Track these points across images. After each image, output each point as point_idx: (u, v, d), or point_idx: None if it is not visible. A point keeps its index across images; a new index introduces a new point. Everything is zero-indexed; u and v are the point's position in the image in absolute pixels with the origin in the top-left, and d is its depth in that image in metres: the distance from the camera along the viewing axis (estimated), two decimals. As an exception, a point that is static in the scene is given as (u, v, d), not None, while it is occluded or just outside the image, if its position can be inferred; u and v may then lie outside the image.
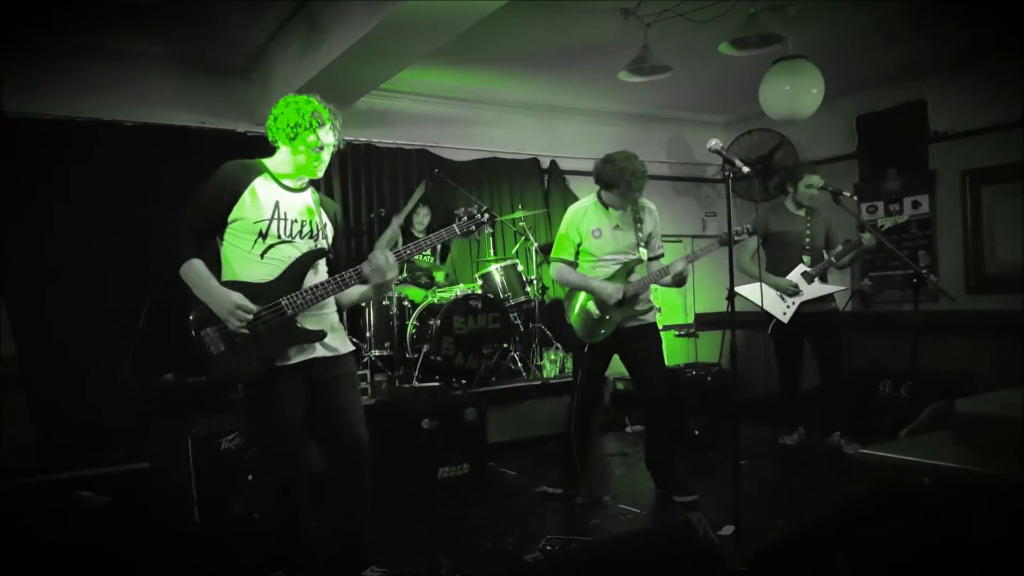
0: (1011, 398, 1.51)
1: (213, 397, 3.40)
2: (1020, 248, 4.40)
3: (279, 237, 2.10)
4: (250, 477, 2.99)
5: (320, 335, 2.13)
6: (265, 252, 2.08)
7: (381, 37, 3.12)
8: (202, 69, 4.18)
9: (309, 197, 2.21)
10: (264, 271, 2.08)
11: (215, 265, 2.10)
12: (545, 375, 4.53)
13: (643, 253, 3.07)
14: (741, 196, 5.32)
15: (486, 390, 4.06)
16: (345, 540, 2.26)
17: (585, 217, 3.08)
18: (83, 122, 3.84)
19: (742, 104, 5.34)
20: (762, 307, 3.65)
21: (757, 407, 4.13)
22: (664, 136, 6.04)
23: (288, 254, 2.11)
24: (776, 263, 3.94)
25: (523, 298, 4.51)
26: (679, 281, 3.02)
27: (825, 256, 3.84)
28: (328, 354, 2.16)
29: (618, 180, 2.95)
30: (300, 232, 2.14)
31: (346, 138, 4.71)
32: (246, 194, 2.07)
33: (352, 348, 2.29)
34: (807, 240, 3.90)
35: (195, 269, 2.02)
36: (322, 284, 2.11)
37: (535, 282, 4.63)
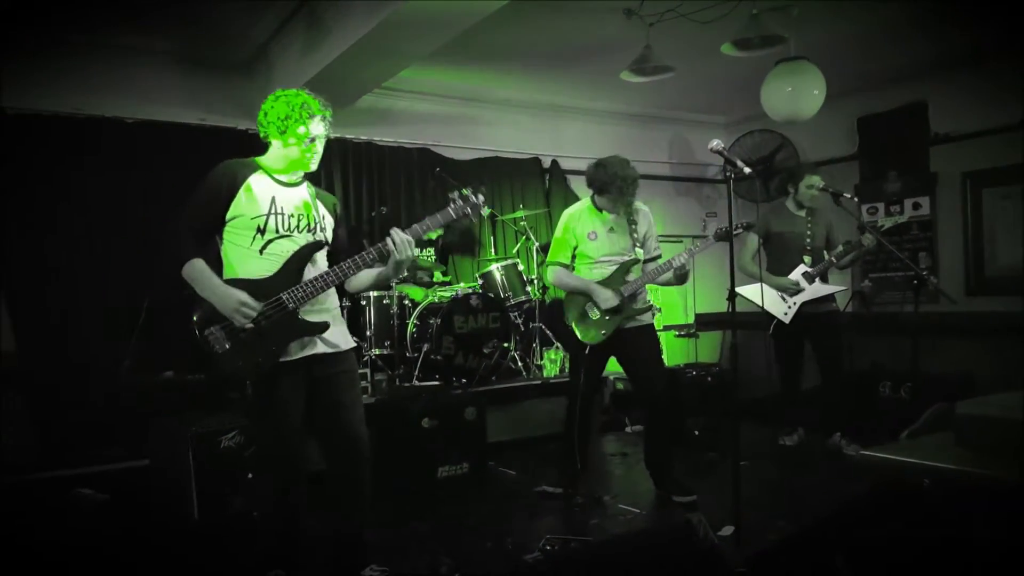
0: (1011, 400, 1.51)
1: (213, 395, 3.40)
2: (1020, 250, 4.40)
3: (277, 232, 2.11)
4: (250, 475, 2.99)
5: (323, 326, 2.14)
6: (264, 248, 2.09)
7: (382, 36, 3.12)
8: (203, 67, 4.18)
9: (305, 191, 2.22)
10: (264, 267, 2.09)
11: (215, 264, 2.11)
12: (545, 375, 4.53)
13: (639, 254, 3.08)
14: (742, 197, 5.32)
15: (486, 389, 4.06)
16: (345, 540, 2.26)
17: (580, 220, 3.12)
18: (84, 119, 3.84)
19: (744, 105, 5.34)
20: (763, 307, 3.66)
21: (757, 408, 4.13)
22: (665, 136, 6.04)
23: (287, 248, 2.12)
24: (777, 263, 3.94)
25: (523, 297, 4.52)
26: (681, 277, 3.03)
27: (826, 257, 3.85)
28: (329, 350, 2.17)
29: (609, 185, 3.00)
30: (298, 226, 2.15)
31: (347, 136, 4.78)
32: (242, 191, 2.08)
33: (353, 345, 2.29)
34: (808, 241, 3.90)
35: (197, 268, 2.03)
36: (321, 276, 2.12)
37: (536, 281, 4.64)
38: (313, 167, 2.20)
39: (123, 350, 3.65)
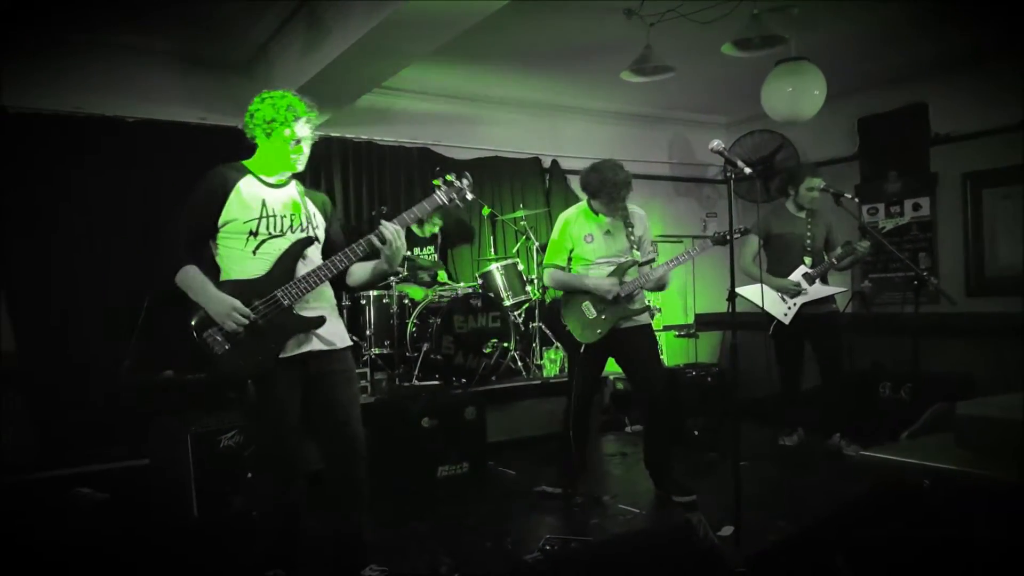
0: (1011, 401, 1.51)
1: (213, 394, 3.40)
2: (1020, 251, 4.40)
3: (270, 233, 2.14)
4: (250, 475, 2.99)
5: (320, 321, 2.16)
6: (257, 248, 2.12)
7: (382, 35, 3.12)
8: (203, 66, 4.17)
9: (294, 190, 2.24)
10: (257, 267, 2.12)
11: (211, 269, 2.14)
12: (545, 374, 4.53)
13: (636, 255, 3.09)
14: (742, 197, 5.32)
15: (486, 389, 4.06)
16: (344, 539, 2.26)
17: (576, 224, 3.15)
18: (84, 118, 3.84)
19: (744, 105, 5.34)
20: (763, 308, 3.66)
21: (757, 408, 4.13)
22: (666, 136, 6.03)
23: (280, 248, 2.15)
24: (777, 264, 3.94)
25: (523, 297, 4.52)
26: (659, 287, 3.14)
27: (826, 258, 3.85)
28: (325, 348, 2.18)
29: (600, 189, 3.03)
30: (290, 226, 2.18)
31: (347, 136, 4.78)
32: (232, 196, 2.11)
33: (350, 344, 2.30)
34: (808, 242, 3.90)
35: (191, 275, 2.07)
36: (314, 271, 2.14)
37: (535, 281, 4.64)
38: (300, 168, 2.21)
39: (123, 349, 3.64)
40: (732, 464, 2.46)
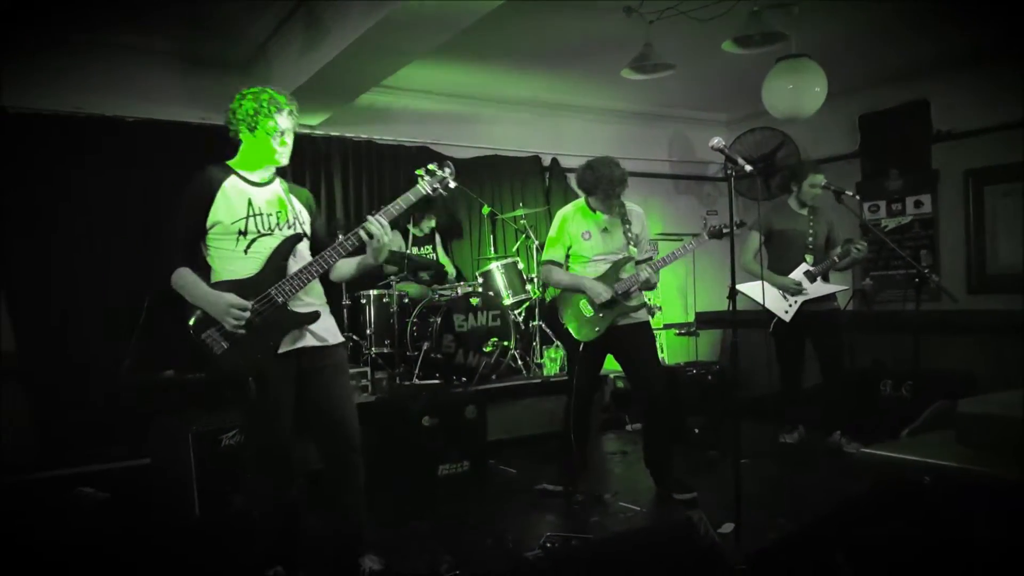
0: (1012, 399, 1.51)
1: (213, 393, 3.40)
2: (1022, 248, 4.39)
3: (259, 231, 2.16)
4: (249, 475, 2.99)
5: (314, 316, 2.19)
6: (248, 247, 2.15)
7: (381, 34, 3.12)
8: (203, 66, 4.17)
9: (278, 187, 2.27)
10: (249, 266, 2.15)
11: (202, 271, 2.16)
12: (545, 373, 4.53)
13: (633, 252, 3.09)
14: (743, 195, 5.31)
15: (486, 388, 4.06)
16: (344, 538, 2.26)
17: (574, 220, 3.15)
18: (84, 118, 3.84)
19: (745, 102, 5.33)
20: (763, 305, 3.65)
21: (757, 406, 4.13)
22: (666, 134, 6.03)
23: (270, 246, 2.17)
24: (778, 262, 3.93)
25: (523, 296, 4.52)
26: (648, 287, 3.14)
27: (828, 256, 3.84)
28: (318, 344, 2.21)
29: (596, 186, 3.04)
30: (277, 224, 2.20)
31: (347, 135, 4.77)
32: (219, 197, 2.13)
33: (342, 340, 2.33)
34: (810, 239, 3.90)
35: (186, 277, 2.10)
36: (305, 267, 2.17)
37: (535, 280, 4.63)
38: (284, 162, 2.24)
39: (123, 349, 3.65)
40: (733, 462, 2.46)
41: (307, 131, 4.50)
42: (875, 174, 5.13)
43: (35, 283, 3.69)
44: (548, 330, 4.67)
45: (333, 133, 4.62)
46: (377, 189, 4.77)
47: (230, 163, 2.23)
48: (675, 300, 5.94)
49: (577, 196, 3.30)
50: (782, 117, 4.13)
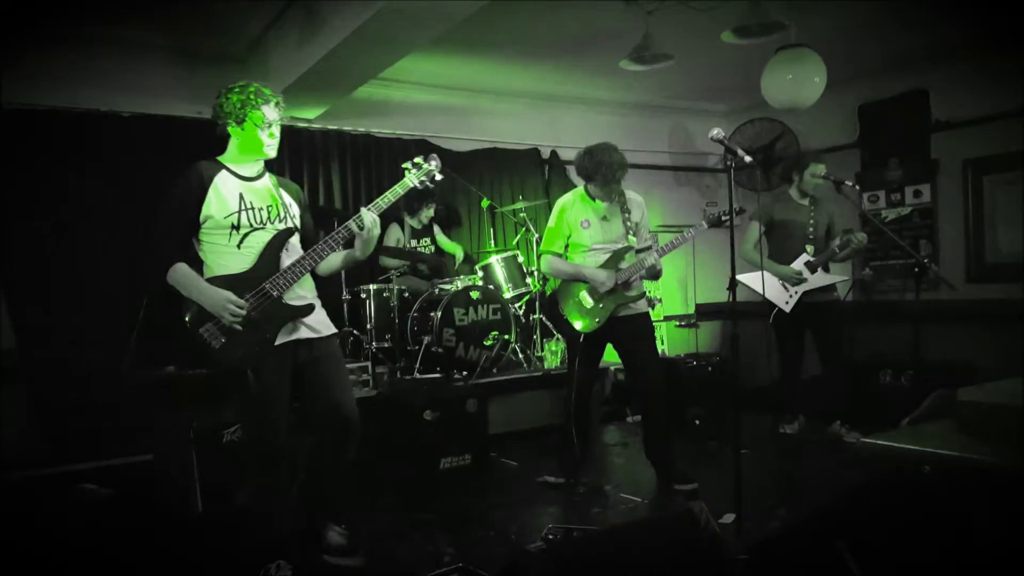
0: (1012, 387, 1.51)
1: (214, 389, 3.40)
2: (1021, 237, 4.39)
3: (251, 225, 2.18)
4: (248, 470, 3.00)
5: (309, 308, 2.22)
6: (241, 242, 2.16)
7: (378, 26, 3.10)
8: (199, 58, 4.15)
9: (268, 181, 2.29)
10: (242, 261, 2.17)
11: (195, 266, 2.17)
12: (546, 366, 4.54)
13: (633, 241, 3.08)
14: (743, 186, 5.30)
15: (487, 381, 4.07)
16: (313, 504, 2.33)
17: (572, 209, 3.12)
18: (81, 113, 3.82)
19: (744, 93, 5.31)
20: (764, 295, 3.65)
21: (758, 396, 4.14)
22: (665, 125, 6.00)
23: (262, 240, 2.19)
24: (779, 252, 3.93)
25: (524, 289, 4.51)
26: (653, 275, 3.08)
27: (829, 247, 3.84)
28: (313, 335, 2.24)
29: (595, 172, 3.01)
30: (269, 217, 2.22)
31: (345, 128, 4.75)
32: (211, 192, 2.15)
33: (335, 331, 2.35)
34: (811, 230, 3.89)
35: (181, 272, 2.11)
36: (298, 261, 2.20)
37: (535, 273, 4.63)
38: (272, 154, 2.26)
39: (124, 345, 3.65)
40: (733, 452, 2.46)
41: (305, 124, 4.49)
42: (874, 164, 5.12)
43: (34, 279, 3.68)
44: (548, 323, 4.67)
45: (331, 126, 4.61)
46: (375, 182, 4.76)
47: (220, 158, 2.24)
48: (675, 292, 5.94)
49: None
50: (781, 107, 4.11)
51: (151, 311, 3.62)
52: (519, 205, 4.74)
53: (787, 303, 3.82)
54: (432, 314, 4.03)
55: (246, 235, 2.17)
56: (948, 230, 4.80)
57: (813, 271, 3.82)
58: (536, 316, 4.64)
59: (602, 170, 2.98)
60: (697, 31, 3.85)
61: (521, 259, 4.61)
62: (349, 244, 2.26)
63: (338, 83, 3.91)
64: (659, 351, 3.78)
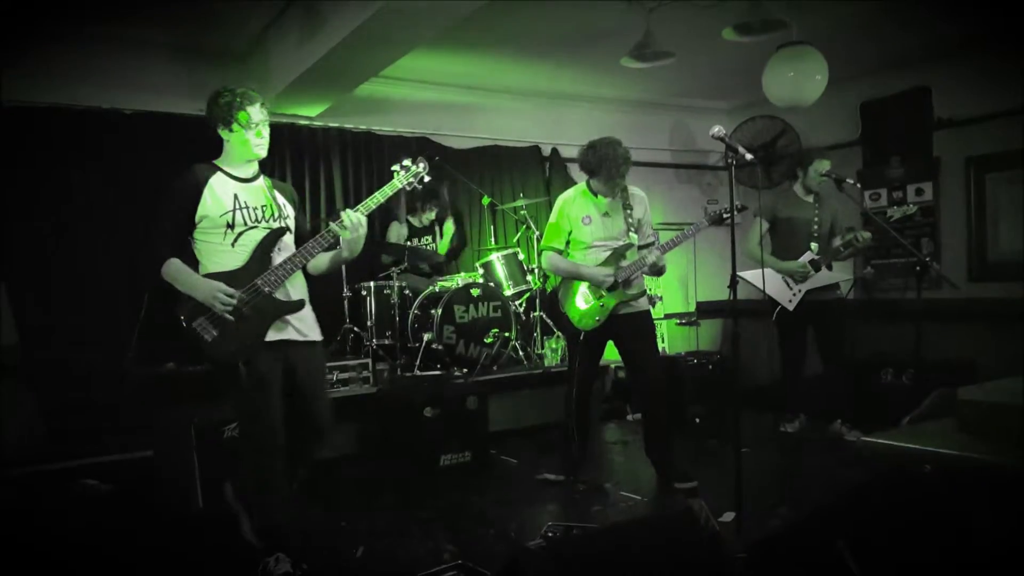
0: (1013, 386, 1.51)
1: (215, 386, 3.41)
2: (1022, 236, 4.38)
3: (245, 224, 2.24)
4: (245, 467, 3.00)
5: (300, 304, 2.28)
6: (236, 240, 2.22)
7: (380, 24, 3.09)
8: (200, 56, 4.14)
9: (262, 183, 2.36)
10: (236, 259, 2.22)
11: (190, 265, 2.23)
12: (546, 364, 4.54)
13: (634, 238, 3.07)
14: (744, 183, 5.29)
15: (488, 379, 4.07)
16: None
17: (574, 205, 3.11)
18: (82, 111, 3.82)
19: (745, 91, 5.30)
20: (765, 293, 3.64)
21: (758, 395, 4.14)
22: (666, 123, 5.99)
23: (256, 239, 2.25)
24: (783, 249, 3.92)
25: (524, 287, 4.51)
26: (656, 271, 3.06)
27: (833, 244, 3.83)
28: (301, 338, 2.30)
29: (599, 166, 2.99)
30: (263, 216, 2.28)
31: (346, 126, 4.75)
32: (206, 192, 2.22)
33: (321, 338, 2.41)
34: (815, 227, 3.88)
35: (176, 267, 2.18)
36: (289, 259, 2.26)
37: (536, 271, 4.63)
38: (262, 153, 2.31)
39: (125, 342, 3.65)
40: (733, 451, 2.46)
41: (306, 122, 4.49)
42: (876, 162, 5.11)
43: (36, 275, 3.69)
44: (549, 320, 4.67)
45: (332, 124, 4.60)
46: (376, 179, 4.75)
47: (216, 161, 2.32)
48: (676, 290, 5.93)
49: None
50: (783, 105, 4.10)
51: (152, 307, 3.62)
52: (520, 203, 4.73)
53: (791, 301, 3.81)
54: (433, 311, 4.03)
55: (240, 234, 2.22)
56: (950, 228, 4.79)
57: (817, 269, 3.81)
58: (537, 313, 4.64)
59: (606, 164, 2.96)
60: (698, 29, 3.84)
61: (522, 256, 4.61)
62: (338, 244, 2.31)
63: (339, 81, 3.90)
64: (659, 349, 3.77)
